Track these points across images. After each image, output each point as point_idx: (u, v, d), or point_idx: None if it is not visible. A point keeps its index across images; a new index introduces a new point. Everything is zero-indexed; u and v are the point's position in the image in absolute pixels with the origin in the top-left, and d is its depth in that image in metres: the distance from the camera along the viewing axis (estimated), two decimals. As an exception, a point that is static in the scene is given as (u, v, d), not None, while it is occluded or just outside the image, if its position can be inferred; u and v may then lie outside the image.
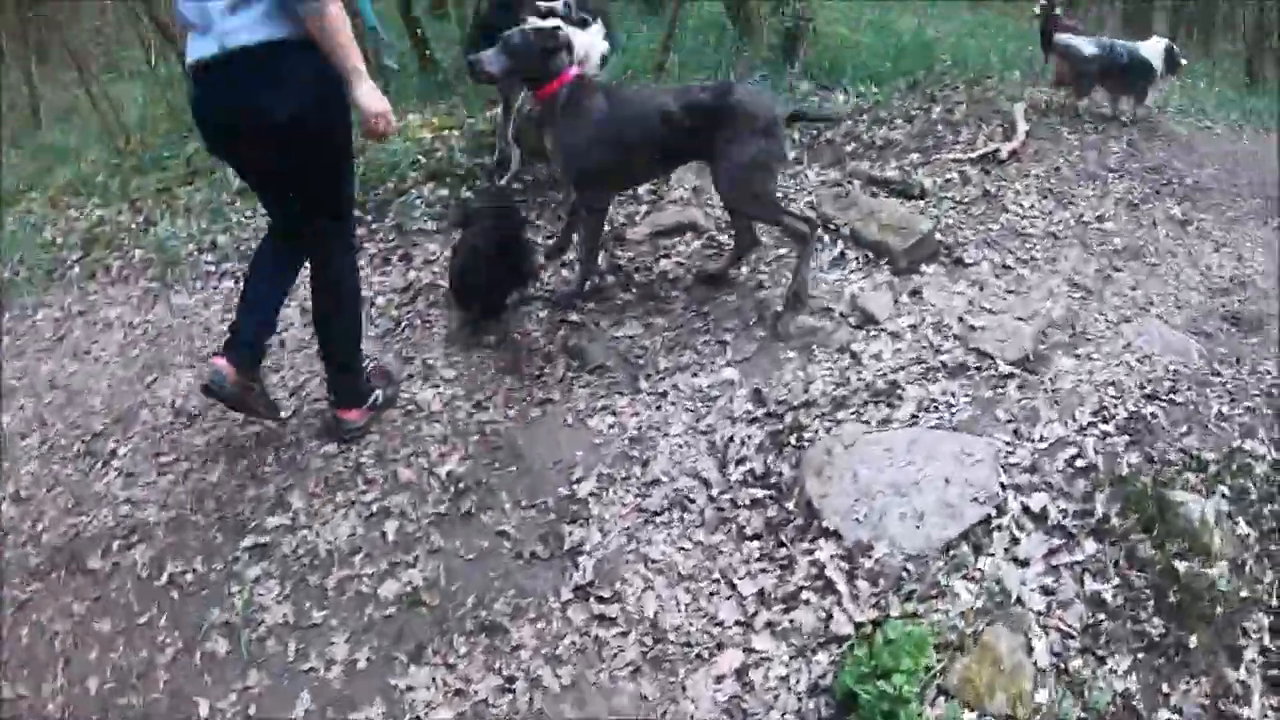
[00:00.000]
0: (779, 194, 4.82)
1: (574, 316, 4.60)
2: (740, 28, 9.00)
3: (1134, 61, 8.18)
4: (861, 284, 4.67)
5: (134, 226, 6.73)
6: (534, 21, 5.99)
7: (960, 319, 4.44)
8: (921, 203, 5.69)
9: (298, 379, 4.69)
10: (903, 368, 4.04)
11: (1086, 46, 8.17)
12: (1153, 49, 8.36)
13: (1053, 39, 8.53)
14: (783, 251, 5.02)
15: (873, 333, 4.27)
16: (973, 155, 6.62)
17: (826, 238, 5.12)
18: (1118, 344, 4.44)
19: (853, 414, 3.74)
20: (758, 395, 3.90)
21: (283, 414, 4.29)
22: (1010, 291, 4.85)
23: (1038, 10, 9.91)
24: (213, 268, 6.01)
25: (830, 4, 10.85)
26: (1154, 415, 3.87)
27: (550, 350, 4.42)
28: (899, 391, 3.86)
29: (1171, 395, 4.07)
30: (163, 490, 4.07)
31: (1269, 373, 4.29)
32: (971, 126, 7.44)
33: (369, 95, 3.35)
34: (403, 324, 4.90)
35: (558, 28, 4.28)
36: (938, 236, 5.14)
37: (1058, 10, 10.12)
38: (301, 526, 3.80)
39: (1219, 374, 4.39)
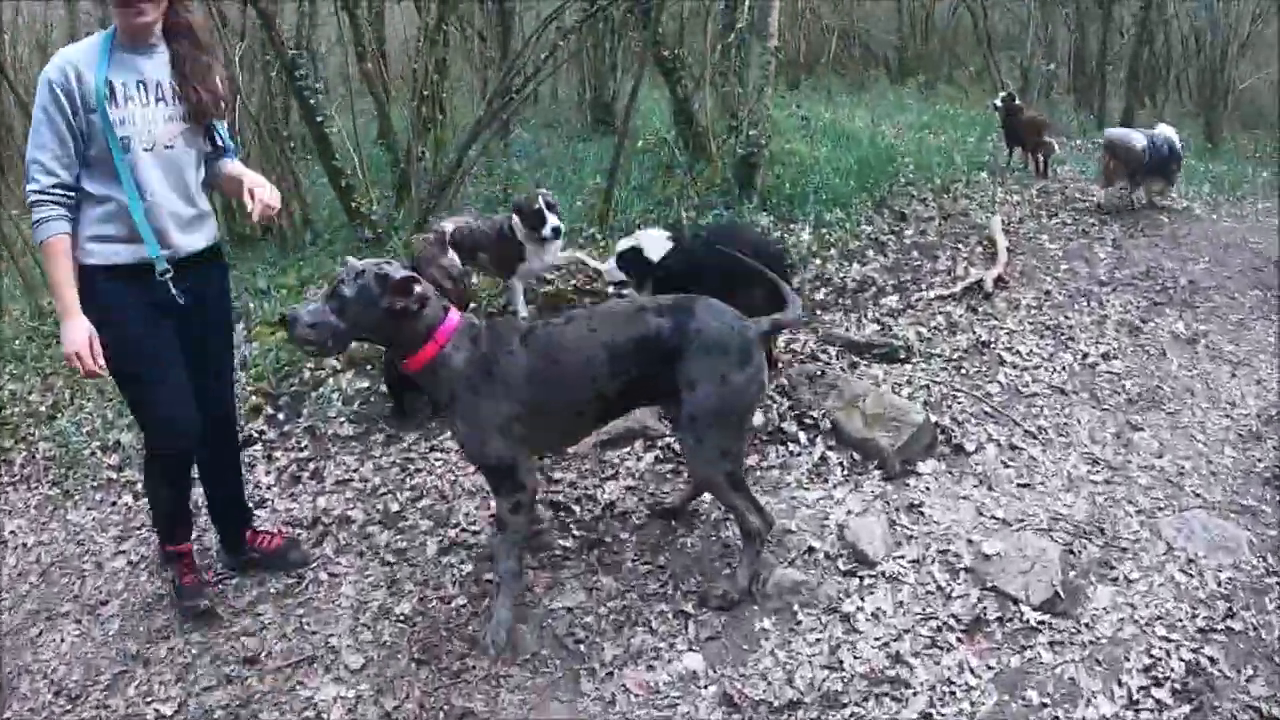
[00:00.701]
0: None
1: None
2: (691, 156, 8.53)
3: (1171, 149, 8.10)
4: (849, 504, 4.02)
5: (43, 409, 5.99)
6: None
7: (970, 541, 3.79)
8: (909, 368, 5.09)
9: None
10: (908, 630, 3.36)
11: (1138, 140, 7.96)
12: (1174, 134, 8.27)
13: (1104, 136, 8.43)
14: (757, 468, 4.38)
15: (867, 581, 3.59)
16: (956, 291, 6.06)
17: (803, 436, 4.49)
18: (1157, 551, 3.80)
19: (850, 716, 3.05)
20: (728, 698, 3.19)
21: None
22: (1023, 485, 4.22)
23: (999, 103, 9.54)
24: (114, 474, 5.20)
25: (782, 112, 10.43)
26: (1213, 660, 3.22)
27: (473, 629, 3.68)
28: (905, 673, 3.17)
29: (1229, 622, 3.43)
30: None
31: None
32: (948, 249, 6.92)
33: (66, 334, 3.24)
34: (306, 580, 4.16)
35: (412, 277, 3.02)
36: (933, 419, 4.51)
37: (1017, 100, 9.80)
38: None
39: (1275, 570, 3.76)
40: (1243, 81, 15.23)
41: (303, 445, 5.07)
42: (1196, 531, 3.98)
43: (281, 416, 5.31)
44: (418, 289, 2.99)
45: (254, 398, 5.43)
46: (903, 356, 5.18)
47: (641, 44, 8.76)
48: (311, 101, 7.62)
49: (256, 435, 5.17)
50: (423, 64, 8.45)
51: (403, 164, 8.67)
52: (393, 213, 8.15)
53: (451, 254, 5.29)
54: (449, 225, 5.51)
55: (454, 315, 3.16)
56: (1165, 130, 8.24)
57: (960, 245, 6.92)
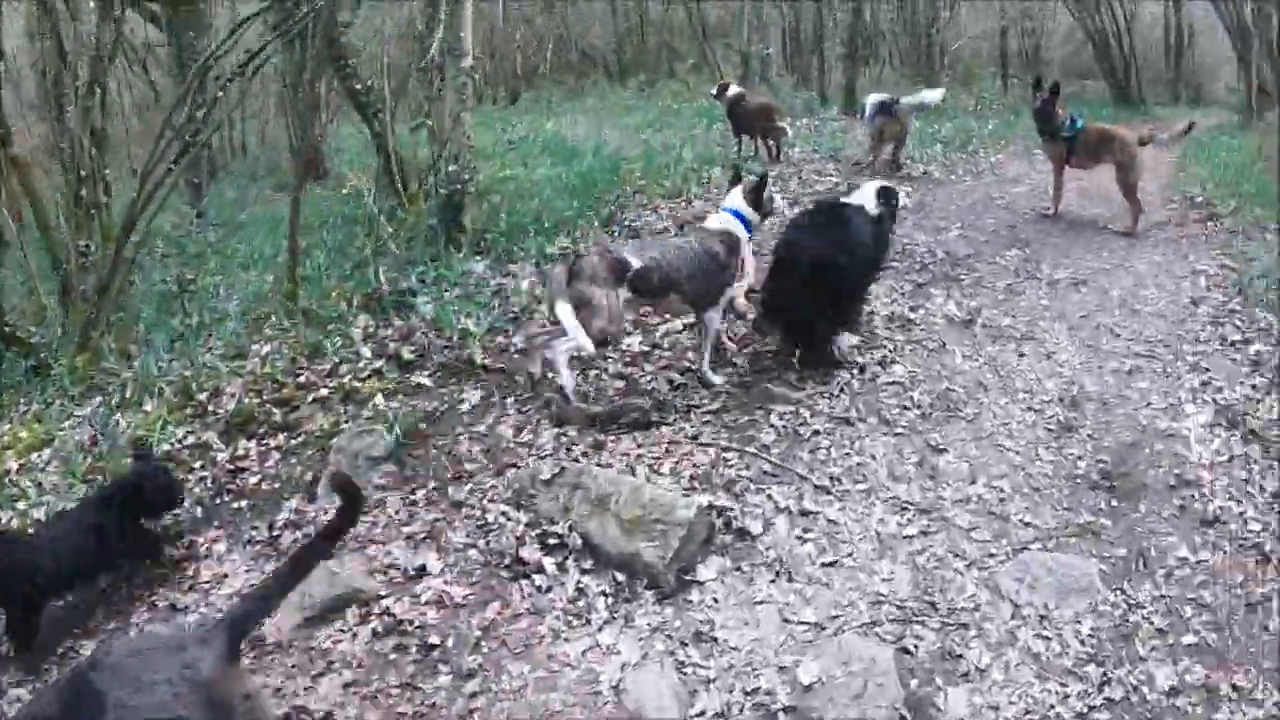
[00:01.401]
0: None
1: None
2: (394, 201, 7.23)
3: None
4: (623, 651, 2.96)
5: None
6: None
7: (782, 668, 2.85)
8: (666, 432, 4.11)
9: None
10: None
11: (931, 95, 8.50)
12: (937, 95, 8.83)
13: (871, 102, 8.57)
14: (498, 621, 3.26)
15: (664, 771, 2.59)
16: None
17: (550, 563, 3.41)
18: (1003, 616, 3.09)
19: None
20: None
21: None
22: (828, 563, 3.33)
23: (714, 91, 8.88)
24: None
25: (496, 133, 9.39)
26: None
27: None
28: None
29: (1106, 691, 2.82)
30: None
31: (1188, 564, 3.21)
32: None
33: None
34: None
35: None
36: (705, 501, 3.54)
37: (732, 86, 9.17)
38: None
39: (1136, 602, 3.09)
40: (951, 44, 15.60)
41: None
42: (1040, 577, 3.25)
43: None
44: None
45: None
46: (655, 419, 4.19)
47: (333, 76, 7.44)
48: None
49: None
50: (73, 137, 6.65)
51: (65, 264, 6.84)
52: (57, 329, 6.43)
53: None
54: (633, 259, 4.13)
55: None
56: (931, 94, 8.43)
57: None
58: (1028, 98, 7.67)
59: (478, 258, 6.33)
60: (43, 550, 3.43)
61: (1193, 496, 3.63)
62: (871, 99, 8.61)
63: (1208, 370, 4.59)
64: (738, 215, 4.40)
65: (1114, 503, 3.64)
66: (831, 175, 7.95)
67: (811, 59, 14.58)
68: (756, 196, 4.44)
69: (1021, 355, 4.72)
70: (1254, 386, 4.42)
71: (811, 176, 8.07)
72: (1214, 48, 20.48)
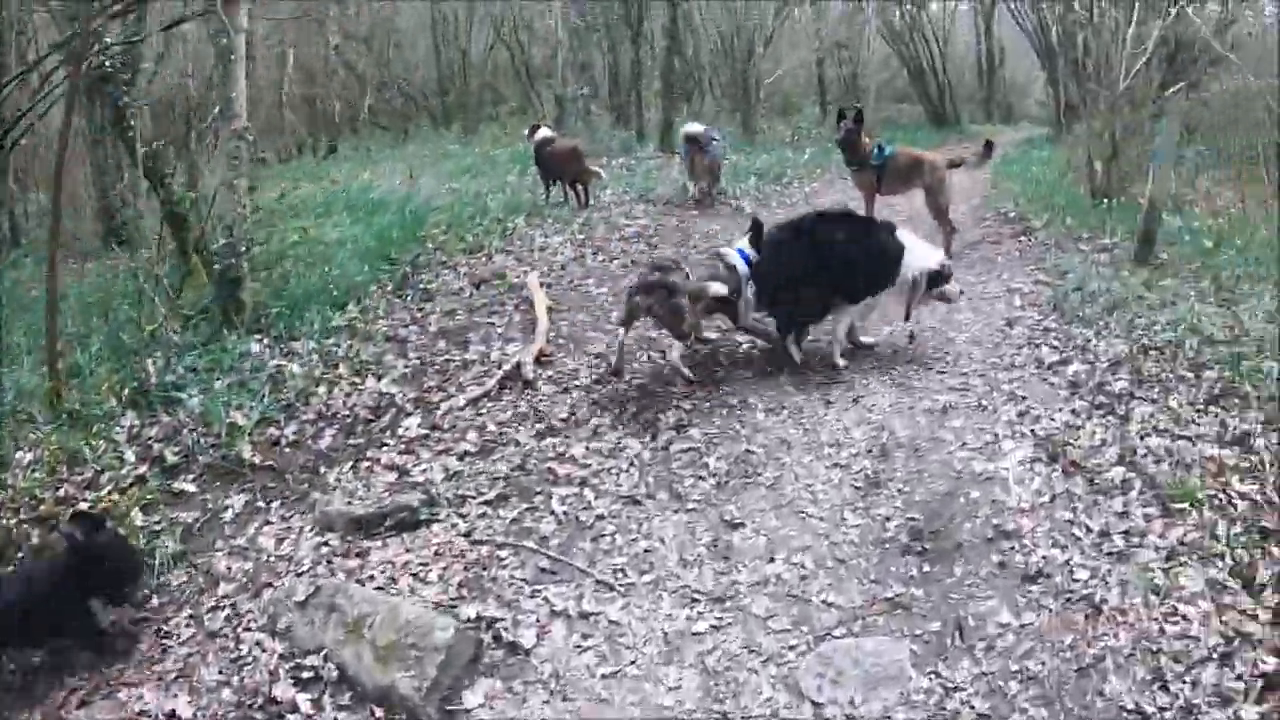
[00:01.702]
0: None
1: None
2: (181, 276, 6.47)
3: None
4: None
5: None
6: None
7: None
8: (436, 531, 3.60)
9: None
10: None
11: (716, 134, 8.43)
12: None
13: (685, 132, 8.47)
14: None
15: None
16: (491, 388, 4.68)
17: (305, 701, 2.85)
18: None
19: None
20: None
21: None
22: (610, 675, 2.88)
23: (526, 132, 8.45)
24: None
25: (296, 191, 8.71)
26: None
27: None
28: None
29: None
30: None
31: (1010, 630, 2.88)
32: (482, 328, 5.55)
33: None
34: None
35: None
36: (471, 613, 3.05)
37: (543, 129, 8.74)
38: None
39: (953, 684, 2.73)
40: (769, 76, 15.57)
41: None
42: (844, 669, 2.87)
43: None
44: None
45: None
46: (425, 516, 3.67)
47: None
48: None
49: None
50: None
51: None
52: None
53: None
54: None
55: None
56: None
57: (495, 319, 5.60)
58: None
59: (257, 336, 5.66)
60: None
61: (1013, 549, 3.31)
62: (684, 130, 8.48)
63: (1025, 399, 4.35)
64: (743, 254, 4.88)
65: (926, 567, 3.30)
66: (640, 218, 7.60)
67: (630, 97, 14.33)
68: (756, 237, 4.93)
69: (829, 403, 4.41)
70: (1074, 411, 4.19)
71: (620, 219, 7.71)
72: (1025, 65, 21.45)
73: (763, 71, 14.45)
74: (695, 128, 9.12)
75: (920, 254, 4.76)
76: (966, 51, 23.01)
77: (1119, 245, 6.88)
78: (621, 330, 4.65)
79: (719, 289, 4.62)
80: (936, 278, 4.78)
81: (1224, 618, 2.74)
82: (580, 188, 8.19)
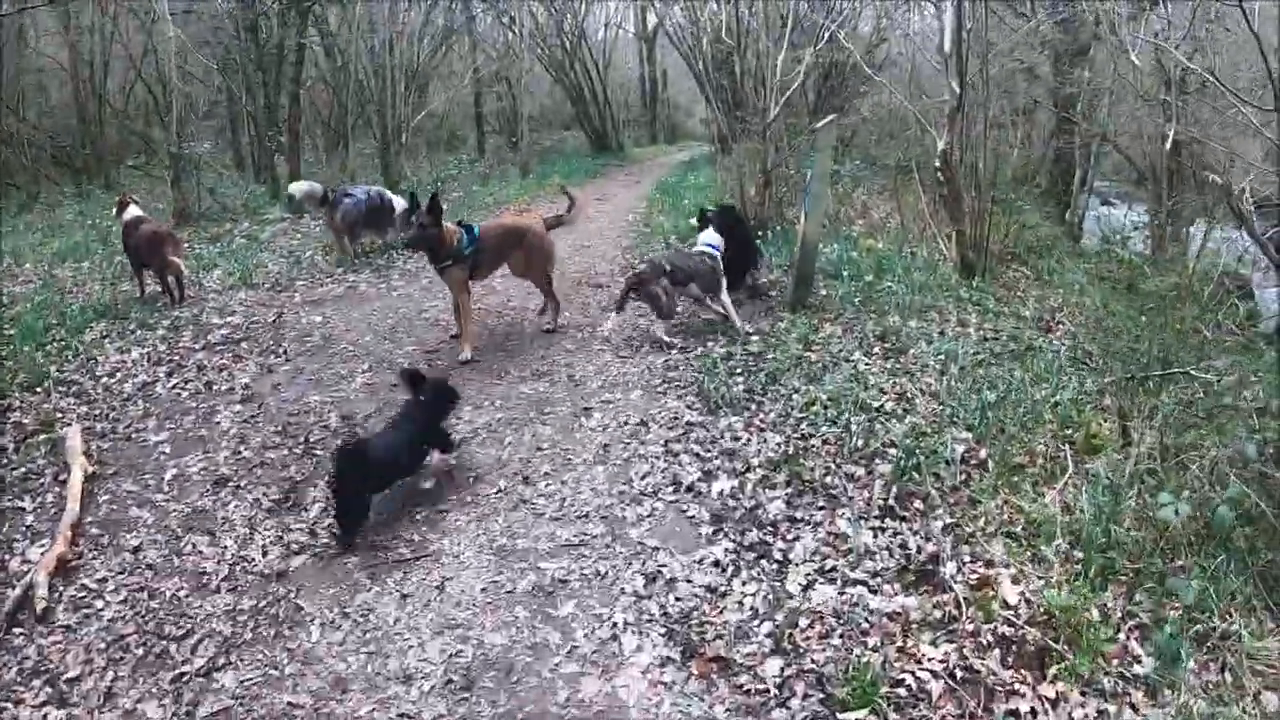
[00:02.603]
0: None
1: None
2: None
3: (384, 200, 7.86)
4: None
5: None
6: None
7: None
8: None
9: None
10: None
11: (317, 189, 7.81)
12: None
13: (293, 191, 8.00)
14: None
15: None
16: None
17: None
18: None
19: None
20: None
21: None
22: None
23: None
24: None
25: None
26: None
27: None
28: None
29: None
30: None
31: None
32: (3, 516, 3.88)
33: None
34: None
35: None
36: None
37: (132, 204, 6.82)
38: None
39: None
40: (416, 115, 14.16)
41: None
42: None
43: None
44: None
45: None
46: None
47: None
48: None
49: None
50: None
51: None
52: None
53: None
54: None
55: None
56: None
57: (28, 500, 3.94)
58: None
59: None
60: None
61: None
62: (291, 190, 7.63)
63: (656, 551, 3.31)
64: (713, 245, 5.78)
65: None
66: (235, 312, 6.08)
67: (259, 146, 12.43)
68: (721, 223, 5.97)
69: (405, 596, 3.19)
70: (717, 564, 3.19)
71: (214, 318, 6.10)
72: (689, 85, 21.46)
73: (406, 114, 13.10)
74: (303, 186, 7.90)
75: None
76: (629, 76, 22.92)
77: (776, 284, 6.24)
78: (614, 314, 5.53)
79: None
80: None
81: None
82: (172, 279, 6.43)
